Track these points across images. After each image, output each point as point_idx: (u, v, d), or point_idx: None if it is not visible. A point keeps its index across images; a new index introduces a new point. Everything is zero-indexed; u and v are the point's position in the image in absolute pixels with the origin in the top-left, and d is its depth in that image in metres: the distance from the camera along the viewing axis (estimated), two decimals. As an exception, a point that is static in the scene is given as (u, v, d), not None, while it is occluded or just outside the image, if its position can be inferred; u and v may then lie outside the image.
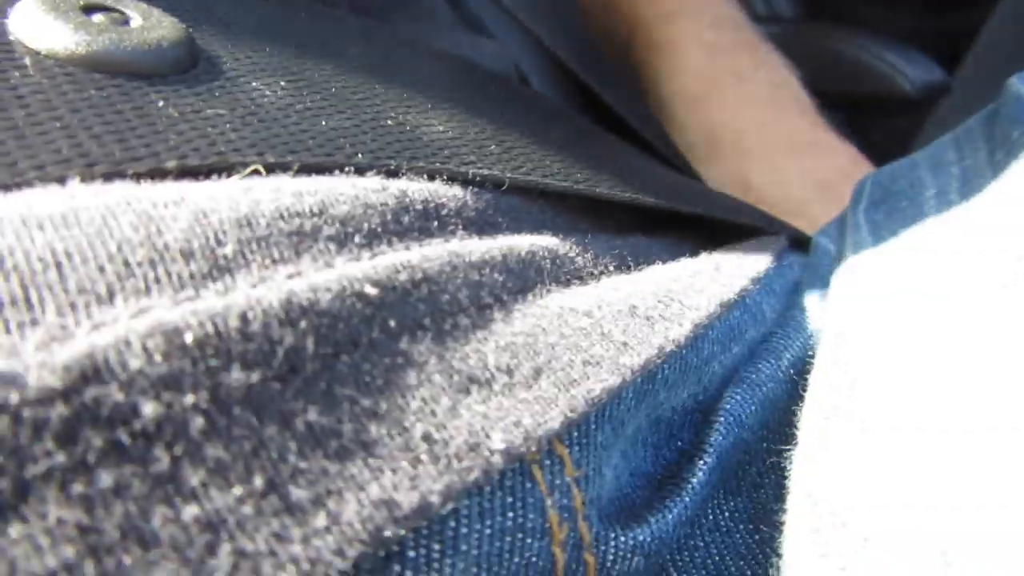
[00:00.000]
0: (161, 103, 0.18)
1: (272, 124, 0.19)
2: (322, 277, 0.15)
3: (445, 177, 0.20)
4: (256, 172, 0.17)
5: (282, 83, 0.20)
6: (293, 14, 0.25)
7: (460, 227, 0.19)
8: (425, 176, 0.19)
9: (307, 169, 0.18)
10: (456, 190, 0.20)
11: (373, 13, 0.30)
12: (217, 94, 0.19)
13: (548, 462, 0.16)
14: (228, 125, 0.18)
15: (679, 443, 0.20)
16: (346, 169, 0.18)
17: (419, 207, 0.18)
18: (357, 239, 0.17)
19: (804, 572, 0.15)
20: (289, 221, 0.16)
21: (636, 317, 0.19)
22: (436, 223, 0.18)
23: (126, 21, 0.19)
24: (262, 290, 0.14)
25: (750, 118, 0.41)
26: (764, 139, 0.36)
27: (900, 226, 0.25)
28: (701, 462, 0.19)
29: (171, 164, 0.16)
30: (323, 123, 0.20)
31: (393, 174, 0.19)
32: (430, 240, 0.18)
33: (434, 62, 0.27)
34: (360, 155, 0.19)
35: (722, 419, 0.20)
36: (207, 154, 0.17)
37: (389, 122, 0.21)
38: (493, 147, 0.22)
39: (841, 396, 0.18)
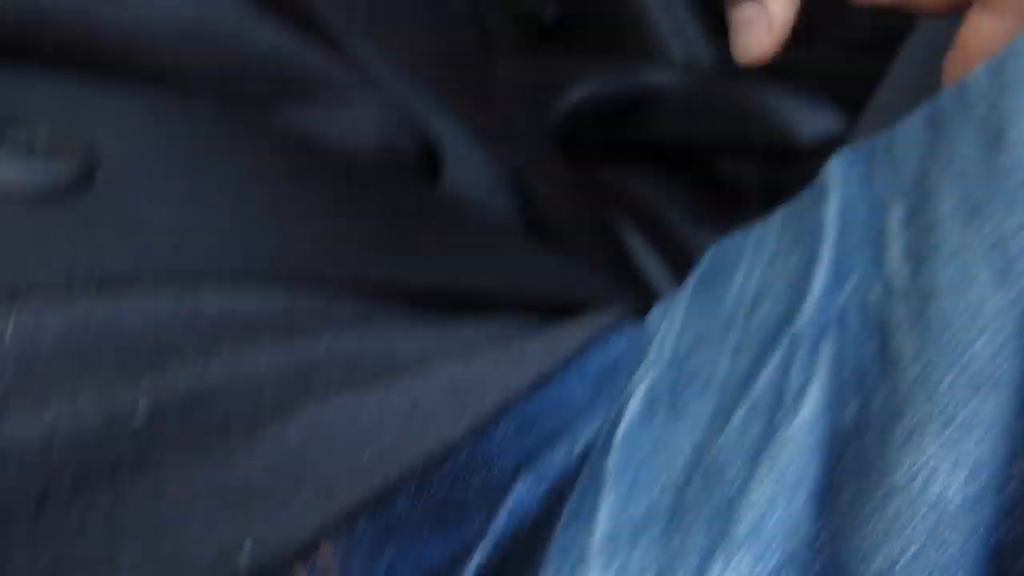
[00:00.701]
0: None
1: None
2: (92, 407, 0.17)
3: (255, 282, 0.21)
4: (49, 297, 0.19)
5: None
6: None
7: (254, 340, 0.20)
8: (231, 286, 0.21)
9: (101, 289, 0.19)
10: (256, 299, 0.21)
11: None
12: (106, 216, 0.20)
13: (309, 562, 0.18)
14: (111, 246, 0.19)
15: (464, 537, 0.22)
16: (141, 288, 0.20)
17: (211, 322, 0.20)
18: (143, 355, 0.18)
19: None
20: (72, 341, 0.18)
21: (415, 419, 0.21)
22: (229, 335, 0.20)
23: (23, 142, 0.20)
24: (25, 429, 0.16)
25: None
26: None
27: (704, 312, 0.27)
28: (477, 553, 0.21)
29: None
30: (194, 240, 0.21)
31: (192, 289, 0.21)
32: (218, 355, 0.19)
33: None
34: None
35: (505, 511, 0.22)
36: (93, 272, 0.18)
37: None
38: (321, 243, 0.24)
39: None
